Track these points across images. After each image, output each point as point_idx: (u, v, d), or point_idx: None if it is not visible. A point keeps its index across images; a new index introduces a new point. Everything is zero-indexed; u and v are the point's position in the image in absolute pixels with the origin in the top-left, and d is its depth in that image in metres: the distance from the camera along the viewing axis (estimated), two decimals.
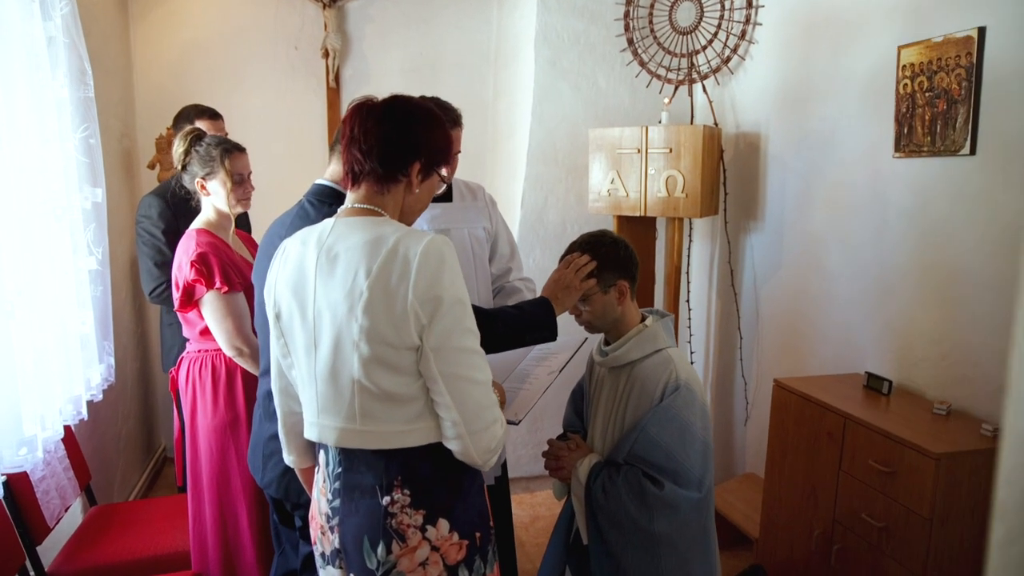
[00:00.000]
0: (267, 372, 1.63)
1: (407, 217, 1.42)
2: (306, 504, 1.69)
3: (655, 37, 3.54)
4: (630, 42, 3.56)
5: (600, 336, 2.02)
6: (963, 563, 2.01)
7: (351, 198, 1.37)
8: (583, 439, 1.96)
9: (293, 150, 3.96)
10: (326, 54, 3.96)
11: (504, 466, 2.38)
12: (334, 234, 1.31)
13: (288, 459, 1.57)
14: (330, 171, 1.82)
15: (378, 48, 4.06)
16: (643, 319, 1.93)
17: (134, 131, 3.72)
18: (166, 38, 3.80)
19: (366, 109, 1.34)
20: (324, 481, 1.39)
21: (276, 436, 1.60)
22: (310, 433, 1.38)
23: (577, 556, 1.89)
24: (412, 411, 1.30)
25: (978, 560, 2.02)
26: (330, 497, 1.37)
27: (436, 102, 1.95)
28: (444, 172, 1.48)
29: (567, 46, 3.61)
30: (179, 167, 2.32)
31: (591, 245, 1.88)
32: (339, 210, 1.38)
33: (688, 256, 3.70)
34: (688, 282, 3.61)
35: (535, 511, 3.55)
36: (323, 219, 1.39)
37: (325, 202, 1.76)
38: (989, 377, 2.20)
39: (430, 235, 1.28)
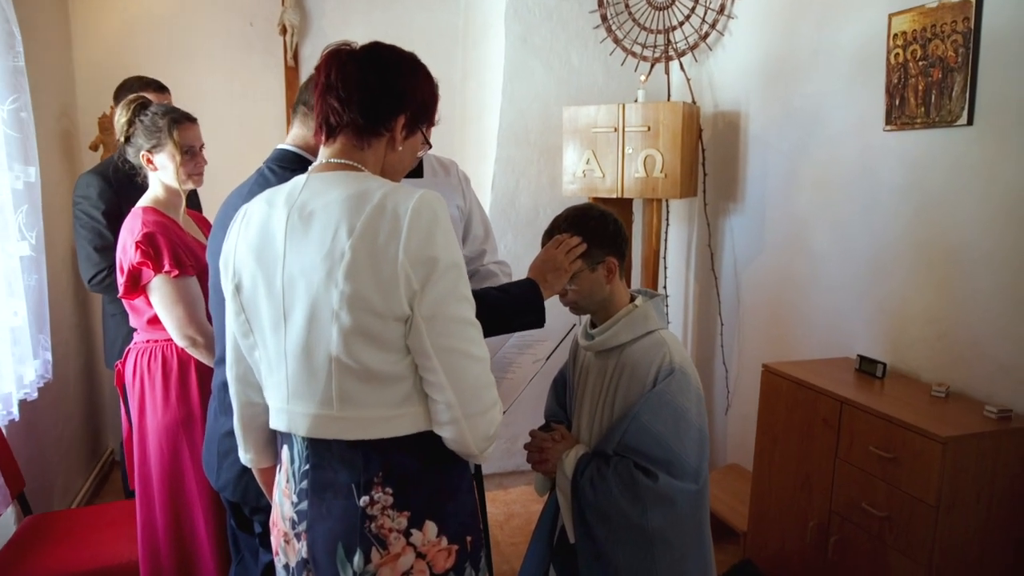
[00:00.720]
0: (222, 360, 1.42)
1: (388, 179, 1.24)
2: (266, 508, 1.50)
3: (630, 13, 3.40)
4: (604, 18, 3.42)
5: (585, 318, 1.88)
6: (970, 552, 1.91)
7: (325, 153, 1.21)
8: (567, 430, 1.82)
9: (249, 132, 3.74)
10: (284, 31, 3.76)
11: (477, 467, 2.22)
12: (308, 190, 1.15)
13: (245, 458, 1.39)
14: (292, 135, 1.64)
15: (339, 25, 3.86)
16: (632, 299, 1.80)
17: (74, 110, 3.46)
18: (108, 11, 3.55)
19: (346, 54, 1.19)
20: (288, 481, 1.22)
21: (232, 432, 1.41)
22: (277, 422, 1.20)
23: (562, 556, 1.77)
24: (398, 394, 1.14)
25: (986, 548, 1.92)
26: (295, 499, 1.19)
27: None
28: (428, 133, 1.33)
29: (539, 22, 3.46)
30: (122, 139, 2.10)
31: (577, 219, 1.73)
32: (310, 167, 1.22)
33: (665, 240, 3.58)
34: (665, 267, 3.49)
35: (510, 508, 3.40)
36: None
37: (288, 168, 1.57)
38: (988, 357, 2.11)
39: (421, 191, 1.12)
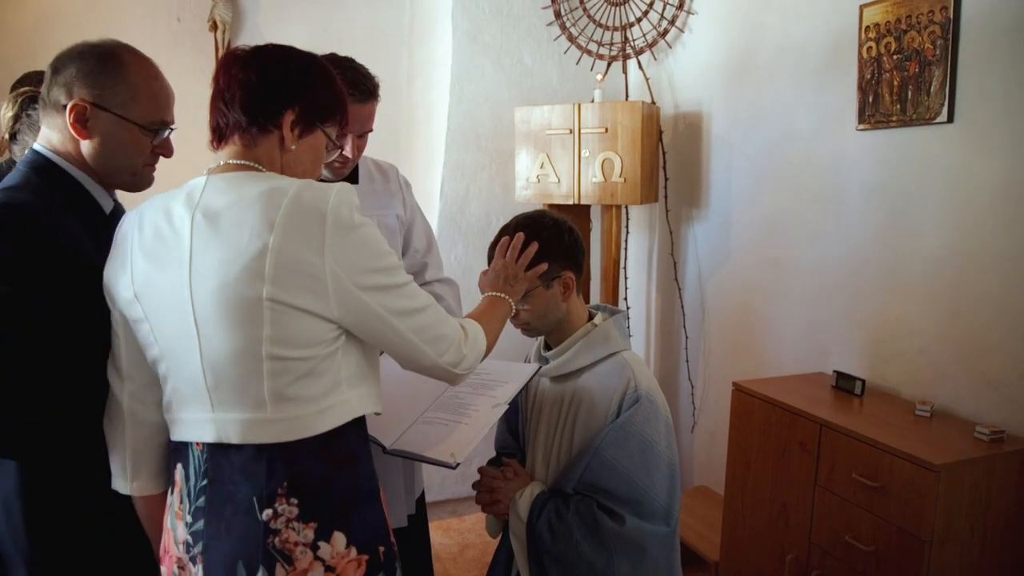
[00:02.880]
0: None
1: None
2: None
3: (585, 9, 3.22)
4: (557, 14, 3.24)
5: (539, 340, 1.67)
6: None
7: (220, 156, 1.18)
8: (521, 464, 1.60)
9: (176, 135, 3.44)
10: (214, 27, 3.48)
11: (421, 499, 1.99)
12: (210, 191, 1.11)
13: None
14: (41, 135, 1.34)
15: (275, 22, 3.60)
16: (591, 317, 1.60)
17: None
18: (15, 3, 3.24)
19: (232, 56, 1.18)
20: (181, 502, 1.16)
21: None
22: (200, 433, 1.13)
23: None
24: (326, 384, 1.12)
25: None
26: (190, 520, 1.14)
27: (350, 64, 1.68)
28: (333, 133, 1.26)
29: (488, 18, 3.26)
30: (7, 136, 1.82)
31: (529, 228, 1.53)
32: (207, 168, 1.18)
33: (625, 249, 3.40)
34: (626, 277, 3.31)
35: (464, 539, 3.16)
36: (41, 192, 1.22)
37: (45, 180, 1.29)
38: (975, 372, 1.96)
39: (336, 185, 1.10)
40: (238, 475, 1.10)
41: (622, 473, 1.43)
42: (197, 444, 1.15)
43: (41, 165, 1.28)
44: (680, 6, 3.02)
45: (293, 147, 1.18)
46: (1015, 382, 1.86)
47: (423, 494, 2.03)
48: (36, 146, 1.30)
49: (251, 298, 1.05)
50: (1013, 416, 1.86)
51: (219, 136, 1.18)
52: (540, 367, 1.59)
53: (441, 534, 3.15)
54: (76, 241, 1.21)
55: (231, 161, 1.16)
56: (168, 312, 1.12)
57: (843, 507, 1.90)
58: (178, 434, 1.17)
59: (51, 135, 1.30)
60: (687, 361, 3.13)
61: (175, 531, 1.18)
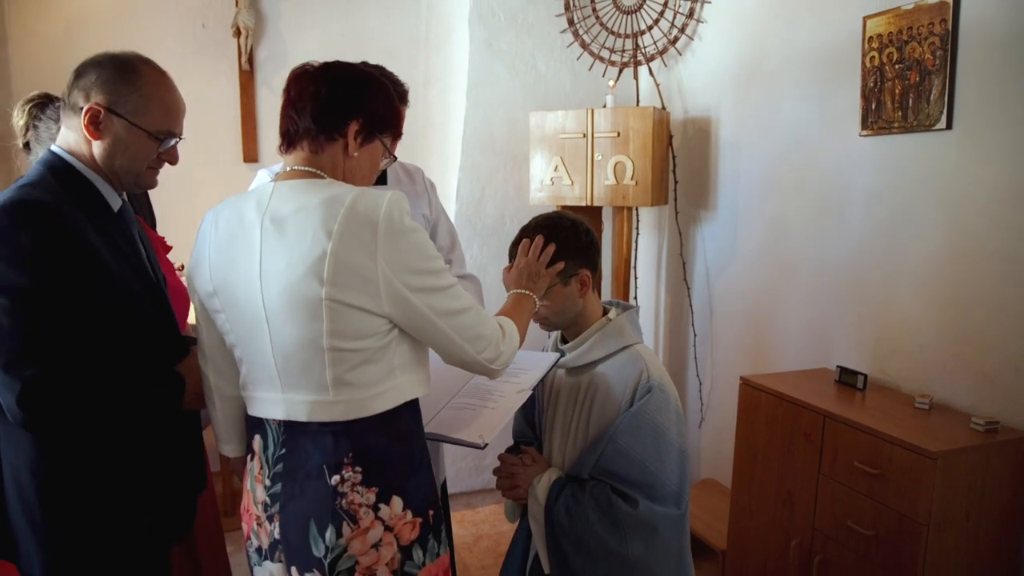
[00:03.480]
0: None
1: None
2: None
3: (597, 17, 3.32)
4: (571, 22, 3.34)
5: (555, 333, 1.77)
6: (957, 571, 1.84)
7: (287, 161, 1.31)
8: (538, 452, 1.70)
9: (201, 137, 3.54)
10: (237, 33, 3.60)
11: (443, 485, 2.09)
12: (276, 198, 1.23)
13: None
14: (60, 136, 1.41)
15: (295, 28, 3.72)
16: (605, 312, 1.69)
17: (10, 112, 3.26)
18: (48, 8, 3.36)
19: (303, 71, 1.31)
20: (261, 468, 1.30)
21: None
22: (272, 411, 1.27)
23: None
24: (382, 371, 1.23)
25: (976, 567, 1.85)
26: (268, 483, 1.28)
27: (381, 71, 1.78)
28: (388, 143, 1.38)
29: (504, 26, 3.36)
30: (22, 145, 1.91)
31: (547, 229, 1.63)
32: (275, 174, 1.33)
33: (635, 249, 3.49)
34: (636, 277, 3.40)
35: (478, 530, 3.26)
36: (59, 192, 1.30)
37: (62, 180, 1.36)
38: (972, 367, 2.05)
39: (388, 192, 1.21)
40: (310, 446, 1.24)
41: (635, 459, 1.51)
42: (272, 420, 1.28)
43: (56, 165, 1.35)
44: (690, 14, 3.12)
45: (355, 154, 1.29)
46: (1010, 376, 1.95)
47: (445, 481, 2.13)
48: (53, 147, 1.37)
49: (312, 297, 1.16)
50: (1007, 408, 1.95)
51: (288, 142, 1.30)
52: (560, 355, 1.69)
53: (456, 525, 3.25)
54: (87, 236, 1.28)
55: (296, 168, 1.27)
56: (242, 306, 1.24)
57: (845, 494, 1.99)
58: (254, 411, 1.31)
59: (68, 135, 1.37)
60: (695, 358, 3.23)
61: (254, 492, 1.32)
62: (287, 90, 1.31)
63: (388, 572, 1.24)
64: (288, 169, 1.28)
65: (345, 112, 1.28)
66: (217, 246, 1.27)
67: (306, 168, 1.27)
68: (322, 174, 1.27)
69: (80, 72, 1.34)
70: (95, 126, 1.32)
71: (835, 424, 2.02)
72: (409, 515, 1.26)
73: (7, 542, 1.33)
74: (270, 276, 1.20)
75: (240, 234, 1.24)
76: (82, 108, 1.32)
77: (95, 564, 1.33)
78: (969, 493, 1.81)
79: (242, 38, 3.60)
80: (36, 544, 1.30)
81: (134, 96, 1.33)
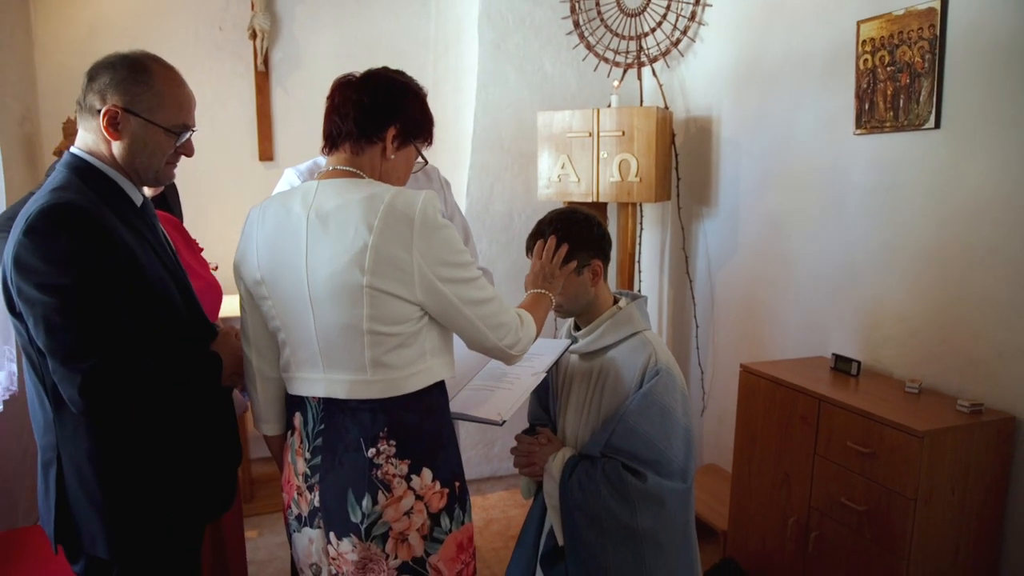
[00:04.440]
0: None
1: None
2: None
3: (602, 19, 3.44)
4: (576, 24, 3.45)
5: (569, 321, 1.89)
6: (943, 542, 1.96)
7: (330, 161, 1.42)
8: (553, 433, 1.82)
9: (218, 136, 3.68)
10: (253, 35, 3.70)
11: None
12: (320, 195, 1.34)
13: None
14: (79, 138, 1.45)
15: (310, 30, 3.83)
16: (616, 301, 1.81)
17: (36, 115, 3.37)
18: (72, 13, 3.46)
19: (346, 81, 1.42)
20: (301, 442, 1.42)
21: None
22: (313, 390, 1.38)
23: (550, 559, 1.76)
24: (415, 353, 1.35)
25: (961, 539, 1.98)
26: (308, 456, 1.39)
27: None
28: (422, 147, 1.49)
29: (512, 28, 3.47)
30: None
31: (561, 223, 1.75)
32: (317, 173, 1.44)
33: (639, 244, 3.61)
34: (640, 270, 3.52)
35: (488, 514, 3.38)
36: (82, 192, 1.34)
37: (88, 180, 1.41)
38: (958, 352, 2.17)
39: (423, 192, 1.31)
40: (348, 421, 1.35)
41: (644, 437, 1.61)
42: (313, 397, 1.39)
43: (78, 166, 1.38)
44: (692, 17, 3.23)
45: (392, 156, 1.41)
46: (994, 361, 2.07)
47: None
48: (73, 149, 1.40)
49: (354, 285, 1.27)
50: (991, 391, 2.07)
51: (331, 143, 1.41)
52: (572, 341, 1.80)
53: None
54: (119, 232, 1.32)
55: (338, 167, 1.38)
56: (288, 292, 1.35)
57: (839, 473, 2.12)
58: (295, 389, 1.42)
59: (86, 137, 1.39)
60: (697, 348, 3.35)
61: (295, 465, 1.44)
62: (331, 97, 1.41)
63: (419, 537, 1.35)
64: (331, 168, 1.39)
65: (384, 118, 1.39)
66: (265, 238, 1.38)
67: (347, 168, 1.38)
68: (362, 174, 1.37)
69: (93, 75, 1.36)
70: (114, 127, 1.35)
71: (830, 407, 2.15)
72: (438, 486, 1.36)
73: (72, 533, 1.40)
74: (316, 265, 1.30)
75: (288, 227, 1.34)
76: (99, 110, 1.35)
77: (153, 538, 1.42)
78: (954, 469, 1.93)
79: (258, 40, 3.71)
80: (100, 525, 1.37)
81: (148, 94, 1.36)
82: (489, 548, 3.07)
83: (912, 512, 1.90)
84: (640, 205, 3.55)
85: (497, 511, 3.42)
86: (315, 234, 1.31)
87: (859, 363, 2.38)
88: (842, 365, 2.41)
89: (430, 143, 1.51)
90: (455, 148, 3.69)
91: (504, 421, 1.56)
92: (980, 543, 2.00)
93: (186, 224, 2.59)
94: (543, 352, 1.78)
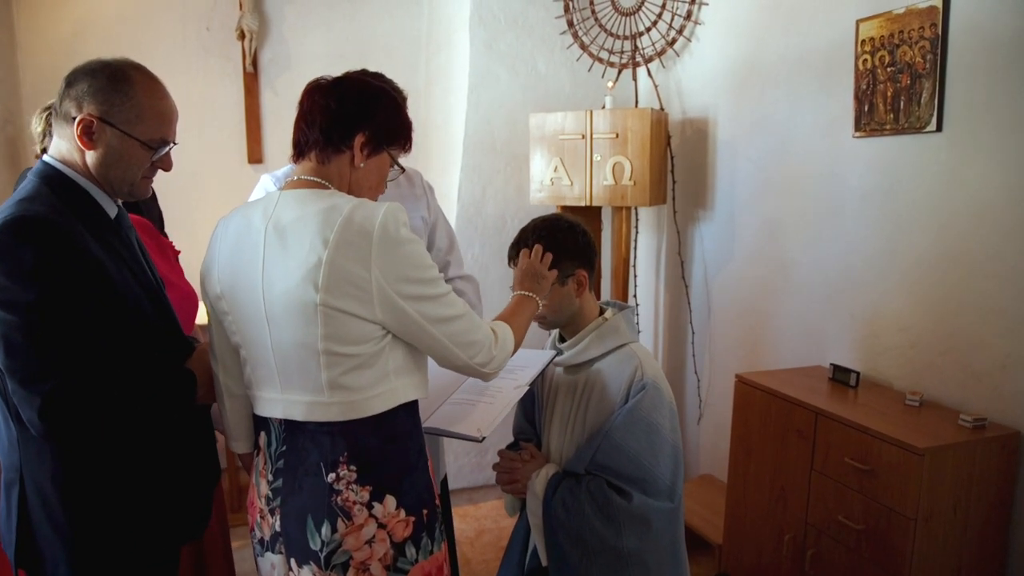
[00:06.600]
0: None
1: (354, 195, 1.34)
2: None
3: (596, 18, 3.36)
4: (570, 24, 3.38)
5: (554, 333, 1.82)
6: (945, 563, 1.88)
7: (296, 170, 1.36)
8: (537, 448, 1.75)
9: (206, 138, 3.61)
10: (242, 36, 3.63)
11: (444, 481, 2.14)
12: (280, 207, 1.28)
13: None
14: (53, 146, 1.39)
15: (299, 31, 3.76)
16: (601, 312, 1.74)
17: (19, 116, 3.31)
18: (56, 13, 3.40)
19: (316, 85, 1.36)
20: (265, 463, 1.36)
21: None
22: (271, 410, 1.33)
23: None
24: (376, 375, 1.27)
25: (964, 559, 1.90)
26: (271, 478, 1.34)
27: (379, 79, 1.79)
28: (397, 155, 1.42)
29: (504, 28, 3.40)
30: (40, 151, 1.95)
31: (545, 231, 1.68)
32: (281, 181, 1.42)
33: (634, 248, 3.53)
34: (635, 275, 3.45)
35: (480, 525, 3.31)
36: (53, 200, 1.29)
37: (58, 191, 1.35)
38: (960, 363, 2.09)
39: (384, 204, 1.25)
40: (308, 444, 1.29)
41: (630, 454, 1.56)
42: (274, 418, 1.33)
43: (51, 175, 1.32)
44: (688, 17, 3.16)
45: (361, 165, 1.34)
46: (997, 374, 1.99)
47: (446, 477, 2.18)
48: (46, 157, 1.34)
49: (308, 303, 1.21)
50: (995, 405, 1.99)
51: (299, 151, 1.35)
52: (556, 353, 1.73)
53: (459, 520, 3.30)
54: (88, 247, 1.27)
55: (303, 177, 1.32)
56: (246, 308, 1.30)
57: (836, 489, 2.04)
58: (259, 409, 1.36)
59: (60, 145, 1.34)
60: (693, 356, 3.27)
61: (259, 487, 1.38)
62: (301, 102, 1.35)
63: (381, 567, 1.28)
64: (296, 178, 1.33)
65: (352, 125, 1.31)
66: (226, 252, 1.32)
67: (312, 178, 1.31)
68: (327, 184, 1.31)
69: (71, 80, 1.31)
70: (88, 136, 1.30)
71: (827, 421, 2.07)
72: (402, 513, 1.29)
73: (33, 557, 1.34)
74: (271, 281, 1.25)
75: (247, 240, 1.29)
76: (75, 118, 1.29)
77: (120, 563, 1.36)
78: (956, 487, 1.85)
79: (246, 41, 3.64)
80: (62, 550, 1.31)
81: (127, 105, 1.31)
82: (480, 560, 3.00)
83: (912, 532, 1.82)
84: (635, 209, 3.48)
85: (489, 521, 3.35)
86: (272, 248, 1.25)
87: (858, 374, 2.30)
88: (840, 376, 2.33)
89: (408, 150, 1.43)
90: (446, 150, 3.62)
91: (484, 437, 1.50)
92: (983, 564, 1.93)
93: (171, 228, 2.53)
94: (526, 364, 1.71)
